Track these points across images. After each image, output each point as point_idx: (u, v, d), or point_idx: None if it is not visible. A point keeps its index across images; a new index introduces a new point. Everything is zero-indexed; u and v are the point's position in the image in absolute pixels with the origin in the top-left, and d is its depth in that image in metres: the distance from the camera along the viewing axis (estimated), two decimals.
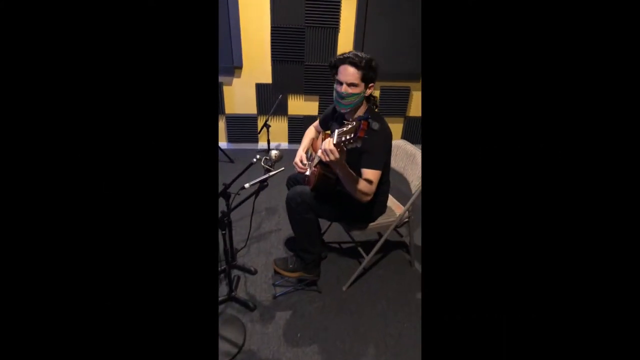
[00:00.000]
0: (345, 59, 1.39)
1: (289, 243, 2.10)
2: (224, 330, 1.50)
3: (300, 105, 3.30)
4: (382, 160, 1.39)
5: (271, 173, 1.44)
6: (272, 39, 2.94)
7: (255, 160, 1.57)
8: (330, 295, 1.74)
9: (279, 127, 3.36)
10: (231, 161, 3.06)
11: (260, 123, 3.30)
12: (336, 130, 1.13)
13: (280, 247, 2.07)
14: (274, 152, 1.51)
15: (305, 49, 3.00)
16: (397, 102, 3.40)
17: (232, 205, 1.53)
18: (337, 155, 1.18)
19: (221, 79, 3.08)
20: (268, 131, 3.15)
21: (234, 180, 1.60)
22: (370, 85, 1.41)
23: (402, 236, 2.04)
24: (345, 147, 1.08)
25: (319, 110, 3.32)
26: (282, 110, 3.27)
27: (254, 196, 1.53)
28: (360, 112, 1.48)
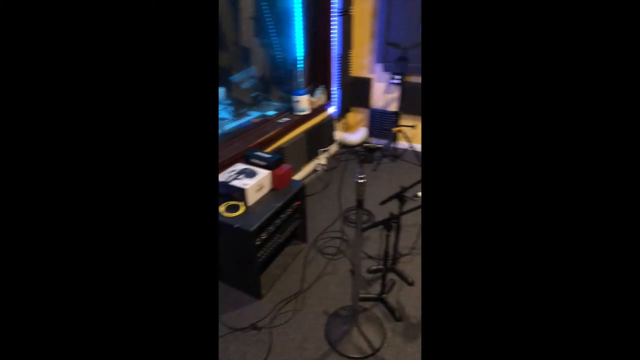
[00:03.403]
0: None
1: None
2: (365, 328, 1.52)
3: None
4: None
5: None
6: None
7: None
8: None
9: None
10: None
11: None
12: None
13: None
14: None
15: None
16: None
17: (404, 210, 1.50)
18: None
19: None
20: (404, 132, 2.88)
21: (413, 185, 1.55)
22: None
23: None
24: None
25: None
26: None
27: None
28: None
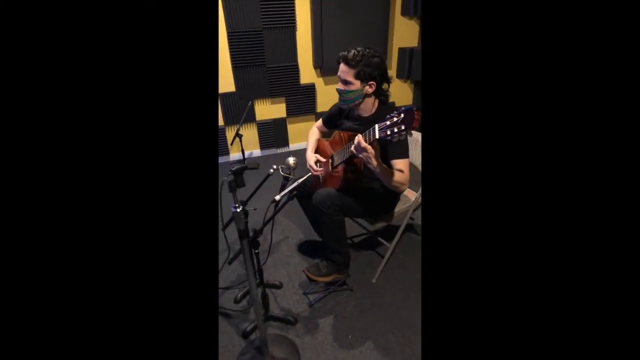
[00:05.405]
0: (340, 56, 1.41)
1: (303, 248, 2.06)
2: (276, 352, 1.43)
3: (268, 109, 3.22)
4: (408, 149, 1.42)
5: (300, 180, 1.39)
6: (230, 45, 2.82)
7: (272, 171, 1.51)
8: (362, 290, 1.74)
9: (248, 135, 3.25)
10: None
11: (228, 134, 3.16)
12: (376, 125, 1.13)
13: (295, 254, 2.01)
14: (291, 160, 1.46)
15: (266, 51, 2.92)
16: None
17: (260, 221, 1.46)
18: (373, 151, 1.19)
19: None
20: (241, 141, 3.03)
21: (251, 196, 1.52)
22: (370, 82, 1.41)
23: (413, 219, 2.10)
24: (393, 139, 1.08)
25: (287, 112, 3.27)
26: (249, 116, 3.16)
27: (274, 208, 1.47)
28: (370, 106, 1.49)
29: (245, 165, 1.05)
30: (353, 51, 1.38)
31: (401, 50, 3.35)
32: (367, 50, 1.39)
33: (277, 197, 1.36)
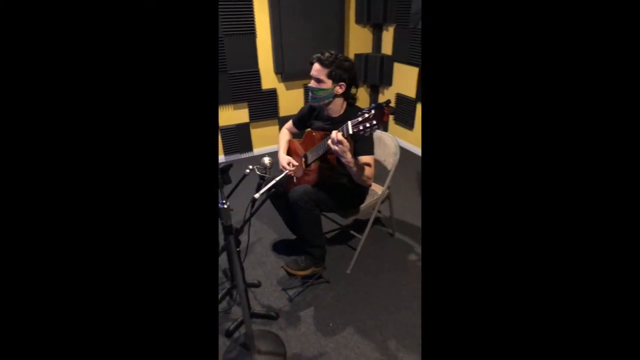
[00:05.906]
0: (315, 57, 1.52)
1: (277, 248, 2.11)
2: (262, 346, 1.48)
3: (231, 115, 3.23)
4: (373, 145, 1.55)
5: (277, 178, 1.45)
6: None
7: (247, 171, 1.56)
8: (338, 282, 1.84)
9: None
10: None
11: None
12: (349, 122, 1.23)
13: (270, 254, 2.06)
14: (267, 160, 1.52)
15: (227, 57, 2.95)
16: None
17: (242, 218, 1.50)
18: (348, 145, 1.30)
19: None
20: None
21: (229, 194, 1.55)
22: (341, 83, 1.53)
23: (380, 212, 2.24)
24: (366, 134, 1.19)
25: (250, 117, 3.30)
26: None
27: (250, 207, 1.52)
28: (339, 107, 1.60)
29: (230, 163, 1.10)
30: (327, 53, 1.50)
31: (357, 56, 3.53)
32: (340, 55, 1.52)
33: (256, 196, 1.42)
